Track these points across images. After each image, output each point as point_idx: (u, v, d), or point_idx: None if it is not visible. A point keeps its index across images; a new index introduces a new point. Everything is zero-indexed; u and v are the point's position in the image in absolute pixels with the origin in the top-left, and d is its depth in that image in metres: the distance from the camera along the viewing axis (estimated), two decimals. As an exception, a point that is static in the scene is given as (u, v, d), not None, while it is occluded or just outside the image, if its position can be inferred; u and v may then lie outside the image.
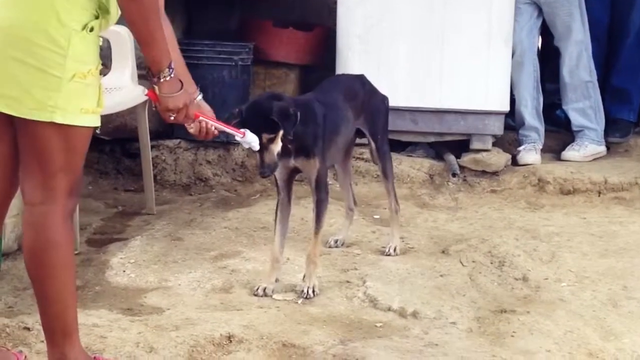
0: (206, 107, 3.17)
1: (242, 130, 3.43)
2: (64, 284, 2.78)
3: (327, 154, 3.82)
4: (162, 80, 2.82)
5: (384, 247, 4.36)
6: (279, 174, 3.76)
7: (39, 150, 2.70)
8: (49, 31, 2.62)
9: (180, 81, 2.88)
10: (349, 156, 4.36)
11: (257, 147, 3.48)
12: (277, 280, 3.83)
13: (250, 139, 3.45)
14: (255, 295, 3.77)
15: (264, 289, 3.78)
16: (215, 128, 3.20)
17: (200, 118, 3.13)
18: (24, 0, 2.64)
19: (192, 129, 3.15)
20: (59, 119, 2.66)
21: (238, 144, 3.96)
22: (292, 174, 3.84)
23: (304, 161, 3.77)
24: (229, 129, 3.35)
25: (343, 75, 4.50)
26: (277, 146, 3.58)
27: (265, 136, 3.53)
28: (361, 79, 4.28)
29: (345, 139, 4.04)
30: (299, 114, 3.60)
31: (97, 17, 2.70)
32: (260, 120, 3.53)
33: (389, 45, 5.50)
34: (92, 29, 2.69)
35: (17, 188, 2.87)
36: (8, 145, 2.78)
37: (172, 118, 2.93)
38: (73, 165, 2.75)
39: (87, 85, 2.70)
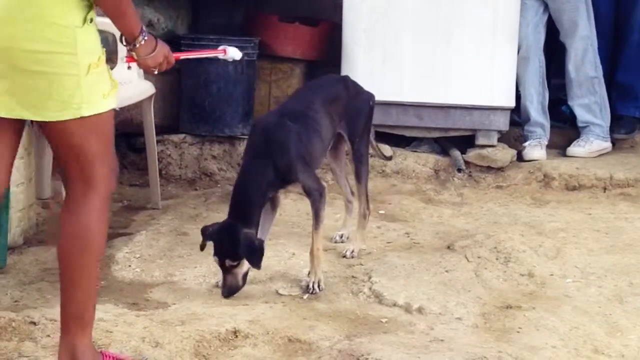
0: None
1: (221, 48, 3.57)
2: (92, 269, 2.84)
3: (307, 168, 3.82)
4: (138, 45, 2.87)
5: (389, 242, 4.36)
6: None
7: (72, 145, 2.75)
8: (53, 37, 2.64)
9: (154, 38, 2.93)
10: (341, 153, 4.34)
11: (240, 55, 3.61)
12: None
13: (232, 54, 3.59)
14: (216, 286, 3.79)
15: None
16: (196, 58, 3.45)
17: (181, 57, 3.28)
18: (18, 15, 2.64)
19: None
20: (86, 112, 2.70)
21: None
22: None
23: (289, 187, 3.89)
24: (210, 54, 3.55)
25: (326, 77, 4.44)
26: (242, 269, 3.68)
27: (229, 262, 3.65)
28: (344, 81, 4.26)
29: (323, 147, 4.01)
30: (264, 245, 3.70)
31: (91, 7, 2.71)
32: (226, 248, 3.65)
33: (394, 40, 5.50)
34: (91, 20, 2.71)
35: (5, 185, 2.92)
36: (4, 146, 2.81)
37: (155, 72, 3.02)
38: (106, 150, 2.81)
39: (101, 71, 2.75)
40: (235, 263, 3.66)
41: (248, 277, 3.85)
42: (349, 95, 4.17)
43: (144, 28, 2.88)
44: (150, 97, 4.80)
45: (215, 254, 3.69)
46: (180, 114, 5.58)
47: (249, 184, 3.74)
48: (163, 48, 2.97)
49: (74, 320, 2.85)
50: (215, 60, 5.41)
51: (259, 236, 3.78)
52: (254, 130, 3.94)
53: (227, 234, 3.66)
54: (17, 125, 2.78)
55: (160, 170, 5.19)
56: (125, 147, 5.58)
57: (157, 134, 4.97)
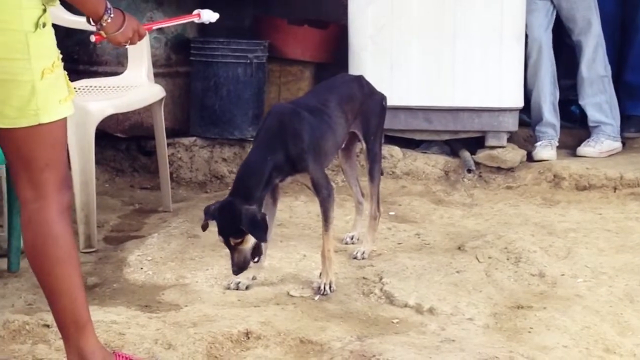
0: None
1: (195, 13, 3.50)
2: (68, 277, 2.79)
3: (318, 160, 3.81)
4: (104, 24, 2.86)
5: (400, 244, 4.37)
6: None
7: (24, 151, 2.71)
8: (4, 44, 2.61)
9: (121, 12, 2.91)
10: (352, 154, 4.35)
11: (216, 16, 3.52)
12: (254, 278, 3.86)
13: (208, 17, 3.51)
14: (228, 288, 3.80)
15: (237, 284, 3.82)
16: (170, 26, 3.34)
17: (153, 27, 3.28)
18: None
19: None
20: (44, 119, 2.68)
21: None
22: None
23: (297, 176, 3.81)
24: (185, 19, 3.49)
25: (341, 76, 4.42)
26: (248, 245, 3.64)
27: (233, 240, 3.62)
28: (359, 80, 4.27)
29: (335, 144, 3.99)
30: (266, 217, 3.66)
31: (44, 11, 2.68)
32: (229, 225, 3.60)
33: (401, 45, 5.51)
34: (44, 25, 2.68)
35: None
36: None
37: (127, 46, 3.01)
38: (58, 159, 2.76)
39: (56, 77, 2.71)
40: (239, 239, 3.61)
41: (259, 279, 3.87)
42: (364, 94, 4.18)
43: (109, 5, 2.85)
44: (161, 100, 4.82)
45: (219, 233, 3.64)
46: (190, 117, 5.60)
47: (256, 164, 3.68)
48: (131, 21, 2.94)
49: (70, 326, 2.84)
50: (224, 62, 5.47)
51: None
52: (268, 115, 3.89)
53: (228, 211, 3.61)
54: None
55: (171, 173, 5.21)
56: (135, 151, 5.61)
57: (167, 137, 4.98)
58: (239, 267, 3.66)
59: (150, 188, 5.43)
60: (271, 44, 5.64)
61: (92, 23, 2.87)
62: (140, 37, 3.01)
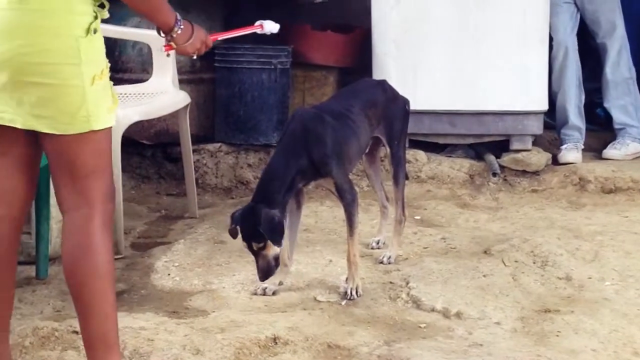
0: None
1: (257, 24, 3.55)
2: (103, 292, 2.73)
3: (341, 165, 3.80)
4: (175, 35, 2.90)
5: (426, 248, 4.37)
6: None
7: (71, 157, 2.70)
8: (57, 48, 2.62)
9: (190, 24, 2.94)
10: (376, 158, 4.36)
11: (277, 27, 3.57)
12: (280, 283, 3.86)
13: (270, 28, 3.56)
14: (254, 294, 3.81)
15: (264, 289, 3.83)
16: (234, 37, 3.49)
17: (218, 38, 3.32)
18: (22, 27, 2.61)
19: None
20: (96, 126, 2.68)
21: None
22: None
23: (320, 180, 3.82)
24: (247, 31, 3.53)
25: (364, 81, 4.43)
26: (271, 251, 3.64)
27: (255, 245, 3.63)
28: (382, 85, 4.27)
29: (359, 149, 4.00)
30: (284, 222, 3.67)
31: (96, 17, 2.69)
32: (250, 229, 3.62)
33: (424, 49, 5.51)
34: (95, 31, 2.68)
35: (32, 198, 2.90)
36: (18, 158, 2.78)
37: (195, 57, 3.06)
38: (104, 168, 2.75)
39: (104, 84, 2.72)
40: (261, 244, 3.62)
41: (286, 284, 3.88)
42: (387, 99, 4.18)
43: (179, 17, 2.88)
44: (186, 106, 4.84)
45: (243, 238, 3.66)
46: (215, 123, 5.62)
47: (279, 168, 3.69)
48: (200, 32, 2.98)
49: (98, 346, 2.76)
50: (249, 69, 5.48)
51: (289, 237, 3.79)
52: (291, 119, 3.90)
53: (250, 216, 3.62)
54: (31, 138, 2.73)
55: (196, 180, 5.23)
56: (161, 157, 5.63)
57: (192, 143, 5.00)
58: (264, 273, 3.68)
59: (176, 194, 5.45)
60: (295, 50, 5.65)
61: (163, 34, 2.92)
62: (207, 47, 3.05)
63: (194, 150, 5.12)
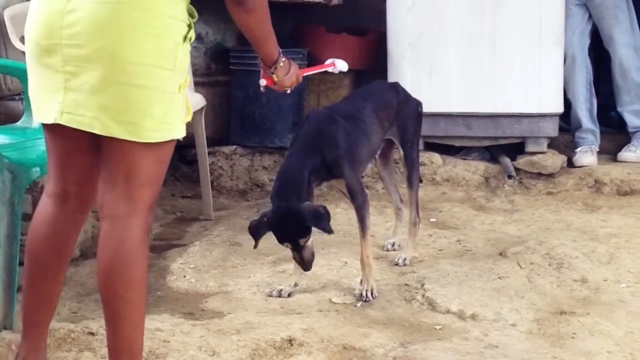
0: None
1: (329, 62, 3.69)
2: (138, 302, 2.65)
3: (353, 167, 3.83)
4: (278, 68, 2.98)
5: (441, 250, 4.37)
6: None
7: (133, 165, 2.59)
8: (157, 50, 2.54)
9: (288, 59, 3.01)
10: (389, 161, 4.37)
11: (347, 66, 3.70)
12: (296, 285, 3.87)
13: (340, 66, 3.70)
14: (270, 296, 3.82)
15: (280, 291, 3.84)
16: (313, 74, 3.69)
17: (305, 74, 3.41)
18: (122, 26, 2.51)
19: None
20: (176, 135, 2.62)
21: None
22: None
23: (333, 181, 3.86)
24: (323, 68, 3.69)
25: (377, 83, 4.43)
26: (310, 240, 3.70)
27: (302, 241, 3.66)
28: (395, 87, 4.28)
29: (370, 151, 4.02)
30: (328, 210, 3.69)
31: (189, 27, 2.63)
32: (293, 227, 3.64)
33: (439, 52, 5.51)
34: (190, 39, 2.64)
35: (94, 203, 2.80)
36: (86, 160, 2.72)
37: (289, 91, 3.15)
38: (159, 177, 2.68)
39: (184, 95, 2.66)
40: (306, 238, 3.65)
41: (301, 286, 3.89)
42: (400, 101, 4.19)
43: (281, 51, 2.95)
44: (201, 109, 4.85)
45: (284, 240, 3.67)
46: (230, 126, 5.64)
47: (297, 167, 3.71)
48: (295, 67, 3.07)
49: (123, 355, 2.70)
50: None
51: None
52: (305, 120, 3.95)
53: (287, 215, 3.62)
54: (98, 141, 2.62)
55: (212, 182, 5.24)
56: (177, 160, 5.64)
57: (208, 145, 5.01)
58: (310, 263, 3.72)
59: (191, 197, 5.47)
60: (310, 52, 5.66)
61: (266, 67, 2.98)
62: (298, 82, 3.13)
63: (209, 153, 5.13)
